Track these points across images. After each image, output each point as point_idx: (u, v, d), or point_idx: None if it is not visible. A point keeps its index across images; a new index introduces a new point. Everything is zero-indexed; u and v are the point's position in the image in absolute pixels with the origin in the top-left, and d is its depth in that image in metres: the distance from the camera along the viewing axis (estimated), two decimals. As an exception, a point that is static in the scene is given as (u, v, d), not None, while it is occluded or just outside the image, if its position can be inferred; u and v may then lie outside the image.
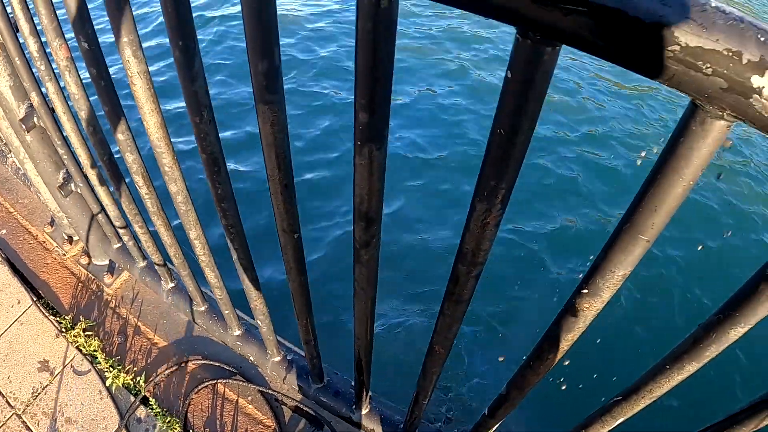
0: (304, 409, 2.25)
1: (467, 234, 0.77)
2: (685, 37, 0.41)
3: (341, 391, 1.98)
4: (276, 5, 0.73)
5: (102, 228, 2.35)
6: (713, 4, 0.41)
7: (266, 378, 2.34)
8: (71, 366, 2.46)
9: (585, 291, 0.75)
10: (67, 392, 2.42)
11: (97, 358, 2.45)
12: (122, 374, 2.38)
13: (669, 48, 0.42)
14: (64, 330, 2.51)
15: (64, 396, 2.39)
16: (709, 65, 0.41)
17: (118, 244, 2.39)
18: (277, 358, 2.02)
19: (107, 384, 2.37)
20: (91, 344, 2.48)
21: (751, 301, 0.62)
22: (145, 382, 2.37)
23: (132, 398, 2.36)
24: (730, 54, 0.40)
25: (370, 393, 1.84)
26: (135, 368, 2.43)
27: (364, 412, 1.93)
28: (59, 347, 2.51)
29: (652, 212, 0.58)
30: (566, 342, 0.89)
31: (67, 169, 2.09)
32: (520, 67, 0.51)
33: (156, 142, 1.21)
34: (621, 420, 1.05)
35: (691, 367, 0.80)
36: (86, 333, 2.50)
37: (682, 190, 0.54)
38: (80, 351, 2.47)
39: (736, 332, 0.67)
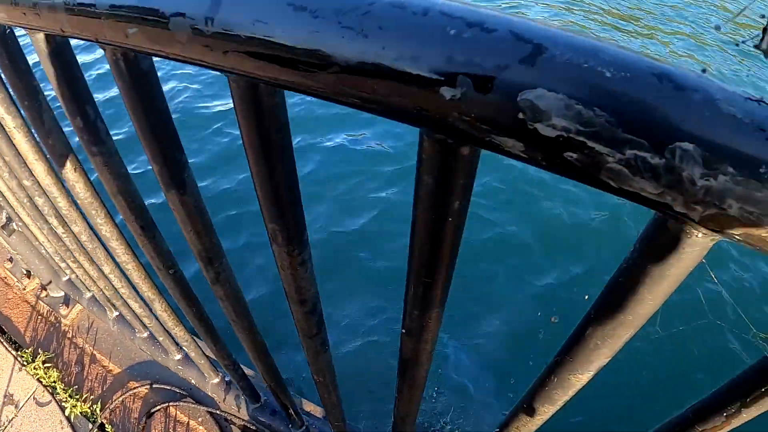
0: (252, 428, 2.30)
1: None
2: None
3: (277, 410, 2.03)
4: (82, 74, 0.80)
5: (49, 262, 2.41)
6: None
7: (215, 398, 2.39)
8: (34, 398, 2.52)
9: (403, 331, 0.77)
10: (31, 424, 2.47)
11: (56, 388, 2.51)
12: (80, 403, 2.44)
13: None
14: (25, 363, 2.57)
15: (28, 428, 2.44)
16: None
17: (66, 277, 2.46)
18: (216, 380, 2.08)
19: (66, 414, 2.43)
20: (50, 375, 2.54)
21: (580, 343, 0.61)
22: (101, 409, 2.42)
23: (90, 426, 2.42)
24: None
25: (300, 411, 1.89)
26: (92, 396, 2.49)
27: (301, 430, 1.97)
28: (22, 380, 2.57)
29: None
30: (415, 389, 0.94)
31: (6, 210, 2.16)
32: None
33: (47, 189, 1.28)
34: None
35: (544, 407, 0.81)
36: (46, 365, 2.56)
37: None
38: (41, 383, 2.54)
39: (577, 379, 0.67)
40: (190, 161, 0.80)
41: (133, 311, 1.94)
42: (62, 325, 2.69)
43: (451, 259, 0.59)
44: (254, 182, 0.64)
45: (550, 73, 0.33)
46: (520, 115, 0.34)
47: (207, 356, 1.98)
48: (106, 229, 1.24)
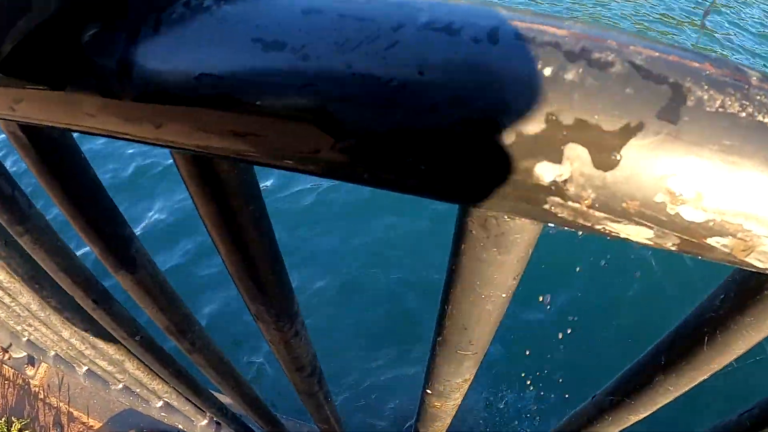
0: (250, 462, 2.14)
1: None
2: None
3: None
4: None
5: (5, 325, 2.19)
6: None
7: (207, 438, 2.22)
8: (13, 468, 2.30)
9: (429, 392, 0.66)
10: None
11: (37, 454, 2.30)
12: (64, 465, 2.24)
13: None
14: (-1, 433, 2.34)
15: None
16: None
17: (26, 338, 2.24)
18: (204, 422, 1.91)
19: (52, 478, 2.23)
20: (28, 441, 2.32)
21: (646, 387, 0.54)
22: (89, 467, 2.22)
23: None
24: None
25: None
26: (76, 456, 2.28)
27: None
28: (-1, 451, 2.34)
29: (462, 331, 0.46)
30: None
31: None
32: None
33: (-21, 264, 1.08)
34: None
35: None
36: None
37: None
38: (19, 451, 2.32)
39: (637, 417, 0.61)
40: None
41: (103, 368, 1.76)
42: (31, 386, 2.46)
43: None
44: (225, 263, 0.48)
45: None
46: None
47: (190, 400, 1.81)
48: (54, 302, 1.06)
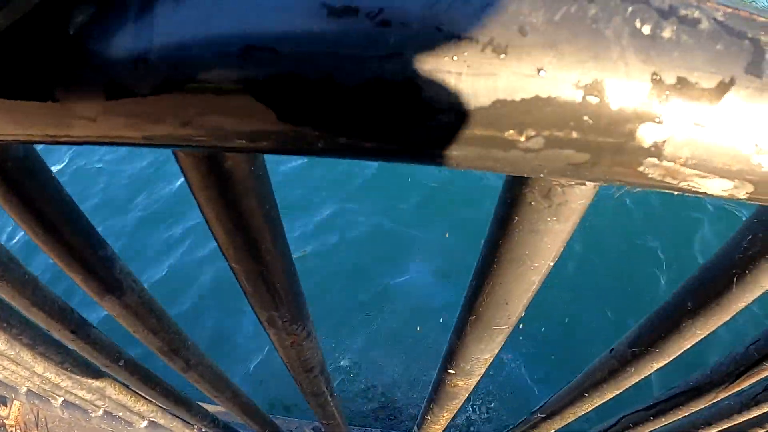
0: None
1: None
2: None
3: (269, 444, 1.83)
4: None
5: (-32, 368, 2.04)
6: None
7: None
8: None
9: (452, 371, 0.63)
10: None
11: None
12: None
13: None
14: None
15: None
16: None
17: (-8, 378, 2.10)
18: (195, 436, 1.83)
19: None
20: (10, 484, 2.19)
21: (672, 334, 0.53)
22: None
23: None
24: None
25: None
26: (63, 490, 2.17)
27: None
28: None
29: (502, 306, 0.43)
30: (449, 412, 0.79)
31: None
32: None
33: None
34: None
35: (611, 393, 0.73)
36: (1, 475, 2.20)
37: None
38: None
39: (659, 365, 0.60)
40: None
41: (81, 397, 1.67)
42: (7, 427, 2.32)
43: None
44: (235, 271, 0.43)
45: None
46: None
47: (177, 416, 1.74)
48: (26, 338, 0.97)
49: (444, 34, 0.18)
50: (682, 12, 0.20)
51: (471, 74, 0.18)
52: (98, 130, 0.24)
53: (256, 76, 0.19)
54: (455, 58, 0.18)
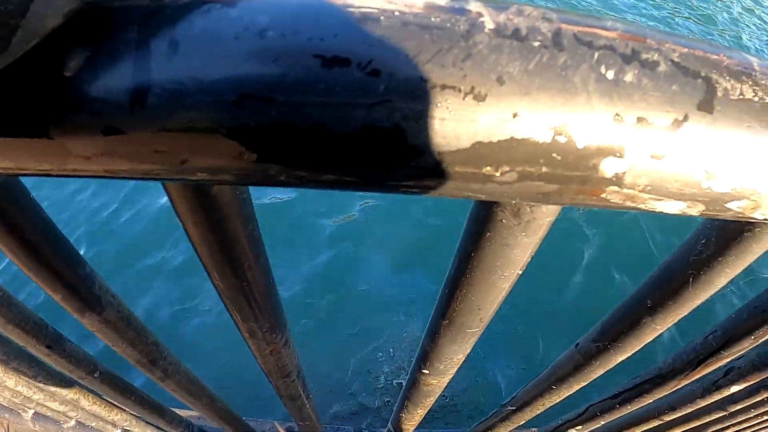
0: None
1: None
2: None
3: (245, 445, 1.83)
4: None
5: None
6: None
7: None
8: None
9: (426, 372, 0.65)
10: None
11: None
12: None
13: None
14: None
15: None
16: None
17: (-42, 393, 2.04)
18: (171, 442, 1.82)
19: None
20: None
21: (633, 329, 0.56)
22: None
23: None
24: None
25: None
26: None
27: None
28: None
29: (475, 311, 0.45)
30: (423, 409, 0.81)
31: None
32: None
33: None
34: (521, 423, 1.01)
35: (577, 385, 0.75)
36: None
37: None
38: None
39: (623, 357, 0.63)
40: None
41: (53, 409, 1.63)
42: (-28, 441, 2.25)
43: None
44: (219, 289, 0.44)
45: None
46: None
47: (151, 423, 1.72)
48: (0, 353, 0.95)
49: (430, 84, 0.20)
50: (644, 56, 0.22)
51: (453, 119, 0.20)
52: (93, 166, 0.25)
53: (249, 123, 0.20)
54: (439, 105, 0.20)
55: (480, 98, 0.20)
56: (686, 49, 0.23)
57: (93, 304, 0.57)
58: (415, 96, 0.20)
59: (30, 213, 0.45)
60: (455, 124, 0.20)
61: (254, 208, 0.37)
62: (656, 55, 0.22)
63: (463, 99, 0.20)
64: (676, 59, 0.22)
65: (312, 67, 0.19)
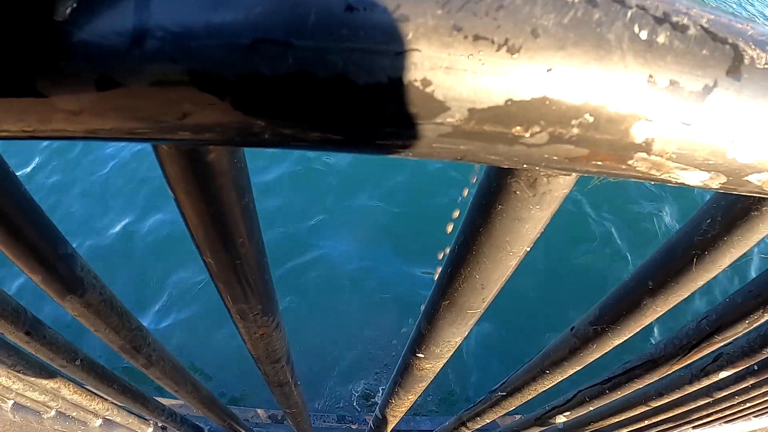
0: (204, 458, 2.06)
1: None
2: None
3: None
4: None
5: None
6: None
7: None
8: None
9: (421, 355, 0.64)
10: None
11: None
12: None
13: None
14: None
15: None
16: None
17: (-69, 383, 2.00)
18: (149, 430, 1.80)
19: None
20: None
21: (633, 311, 0.55)
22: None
23: None
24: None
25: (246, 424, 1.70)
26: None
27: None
28: None
29: (479, 290, 0.44)
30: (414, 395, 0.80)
31: None
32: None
33: None
34: (511, 409, 1.01)
35: (571, 369, 0.75)
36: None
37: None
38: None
39: (619, 341, 0.62)
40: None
41: (33, 399, 1.60)
42: (-52, 433, 2.21)
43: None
44: (209, 266, 0.42)
45: None
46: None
47: (132, 412, 1.70)
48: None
49: (462, 33, 0.18)
50: (674, 18, 0.21)
51: (486, 72, 0.19)
52: (80, 124, 0.23)
53: (264, 71, 0.18)
54: (471, 56, 0.18)
55: (514, 51, 0.19)
56: (713, 16, 0.22)
57: (74, 286, 0.55)
58: (446, 45, 0.18)
59: (6, 185, 0.42)
60: (488, 77, 0.19)
61: (250, 179, 0.36)
62: (686, 19, 0.21)
63: (497, 51, 0.19)
64: (704, 24, 0.22)
65: (335, 9, 0.18)
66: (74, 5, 0.20)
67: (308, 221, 4.19)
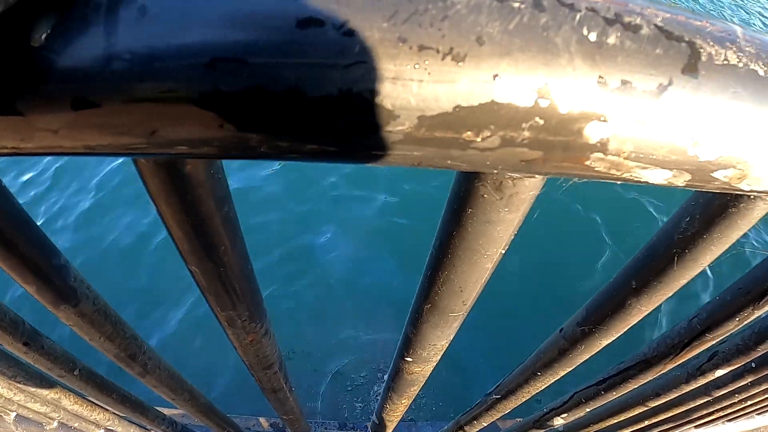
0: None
1: None
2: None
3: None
4: None
5: None
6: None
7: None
8: None
9: (410, 359, 0.64)
10: None
11: None
12: None
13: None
14: None
15: None
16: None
17: (-67, 397, 2.00)
18: (154, 440, 1.80)
19: None
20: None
21: (618, 312, 0.56)
22: None
23: None
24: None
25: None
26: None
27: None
28: None
29: (458, 293, 0.45)
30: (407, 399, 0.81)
31: None
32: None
33: None
34: (506, 412, 1.01)
35: (562, 371, 0.75)
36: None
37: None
38: None
39: (608, 342, 0.63)
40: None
41: (35, 410, 1.61)
42: (-48, 447, 2.22)
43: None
44: (194, 275, 0.43)
45: None
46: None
47: (133, 422, 1.71)
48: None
49: (407, 44, 0.19)
50: (626, 19, 0.22)
51: (432, 81, 0.20)
52: (59, 141, 0.24)
53: (222, 87, 0.19)
54: (417, 66, 0.19)
55: (459, 59, 0.20)
56: (669, 15, 0.23)
57: (68, 296, 0.56)
58: (391, 57, 0.19)
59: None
60: (434, 85, 0.20)
61: (230, 189, 0.37)
62: (639, 19, 0.22)
63: (442, 60, 0.20)
64: (659, 23, 0.22)
65: (285, 28, 0.19)
66: (48, 32, 0.21)
67: (305, 226, 4.22)
